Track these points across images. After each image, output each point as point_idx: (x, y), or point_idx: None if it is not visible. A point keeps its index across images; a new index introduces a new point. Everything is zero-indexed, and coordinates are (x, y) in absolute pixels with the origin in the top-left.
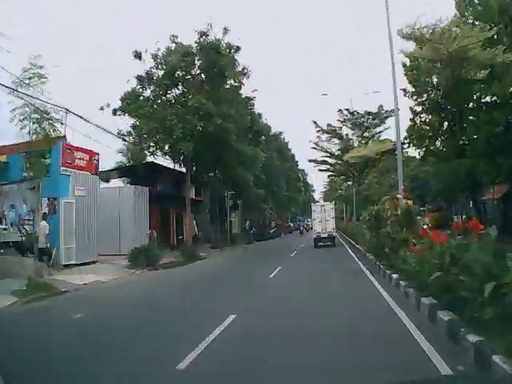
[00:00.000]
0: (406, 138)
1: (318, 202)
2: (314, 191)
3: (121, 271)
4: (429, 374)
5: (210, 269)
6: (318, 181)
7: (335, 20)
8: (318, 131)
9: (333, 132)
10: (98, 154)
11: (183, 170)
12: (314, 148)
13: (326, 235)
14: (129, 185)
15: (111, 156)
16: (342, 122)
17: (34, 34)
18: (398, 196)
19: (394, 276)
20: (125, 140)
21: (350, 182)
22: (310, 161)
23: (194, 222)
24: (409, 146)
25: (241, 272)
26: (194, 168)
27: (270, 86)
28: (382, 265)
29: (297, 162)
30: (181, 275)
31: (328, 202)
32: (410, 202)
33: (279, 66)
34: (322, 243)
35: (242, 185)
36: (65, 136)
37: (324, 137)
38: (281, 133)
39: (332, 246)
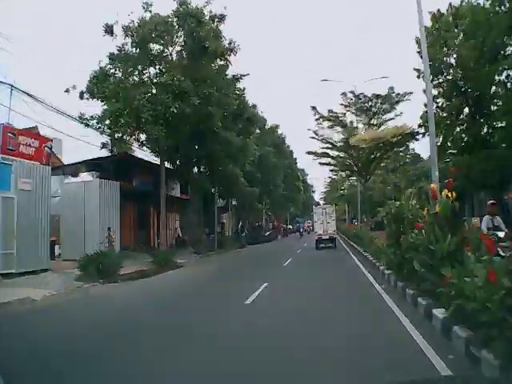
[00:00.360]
0: (419, 126)
1: (319, 204)
2: (314, 192)
3: (66, 284)
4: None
5: (177, 283)
6: (319, 181)
7: (335, 20)
8: (318, 119)
9: (335, 119)
10: (50, 141)
11: (167, 164)
12: (313, 138)
13: (327, 237)
14: (98, 179)
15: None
16: (345, 106)
17: (34, 34)
18: (433, 186)
19: (439, 314)
20: (88, 125)
21: (353, 178)
22: (309, 153)
23: (178, 223)
24: (423, 136)
25: (212, 291)
26: (178, 162)
27: (270, 86)
28: (410, 289)
29: (295, 159)
30: (134, 294)
31: (329, 205)
32: (454, 195)
33: (279, 66)
34: (323, 245)
35: (232, 181)
36: (36, 126)
37: (325, 125)
38: (277, 126)
39: (333, 248)
